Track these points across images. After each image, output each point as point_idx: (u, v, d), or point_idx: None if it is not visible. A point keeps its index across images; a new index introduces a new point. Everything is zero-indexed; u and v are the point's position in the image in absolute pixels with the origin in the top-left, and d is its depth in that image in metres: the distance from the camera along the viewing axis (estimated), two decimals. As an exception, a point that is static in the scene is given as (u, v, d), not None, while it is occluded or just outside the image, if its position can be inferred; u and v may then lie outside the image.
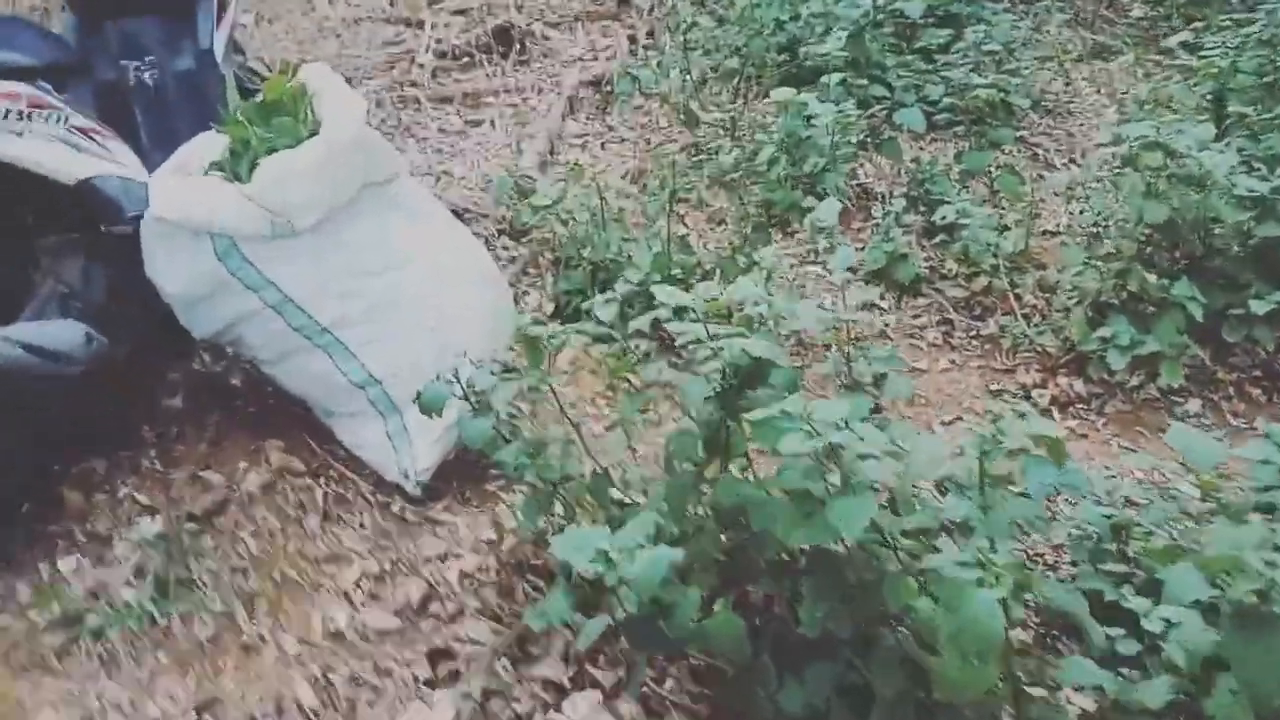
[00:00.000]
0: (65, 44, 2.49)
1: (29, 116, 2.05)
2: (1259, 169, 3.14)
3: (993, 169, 3.97)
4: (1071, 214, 3.94)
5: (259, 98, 2.32)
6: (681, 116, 4.10)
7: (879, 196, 4.10)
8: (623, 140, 4.60)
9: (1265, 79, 3.92)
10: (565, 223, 3.32)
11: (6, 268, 2.23)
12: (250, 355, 2.39)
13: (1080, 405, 3.12)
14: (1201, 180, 2.92)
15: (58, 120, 2.13)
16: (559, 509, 1.99)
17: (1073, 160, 4.97)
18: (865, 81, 4.04)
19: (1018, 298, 3.50)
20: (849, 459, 1.40)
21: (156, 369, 2.63)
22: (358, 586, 2.18)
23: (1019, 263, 3.60)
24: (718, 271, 2.97)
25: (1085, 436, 3.01)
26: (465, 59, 5.32)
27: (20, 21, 2.59)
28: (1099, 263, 3.11)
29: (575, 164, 4.18)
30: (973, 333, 3.44)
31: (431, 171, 4.11)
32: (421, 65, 5.18)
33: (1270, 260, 3.03)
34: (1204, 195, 2.95)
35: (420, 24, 5.57)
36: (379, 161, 2.28)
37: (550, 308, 3.28)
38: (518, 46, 5.47)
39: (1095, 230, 3.43)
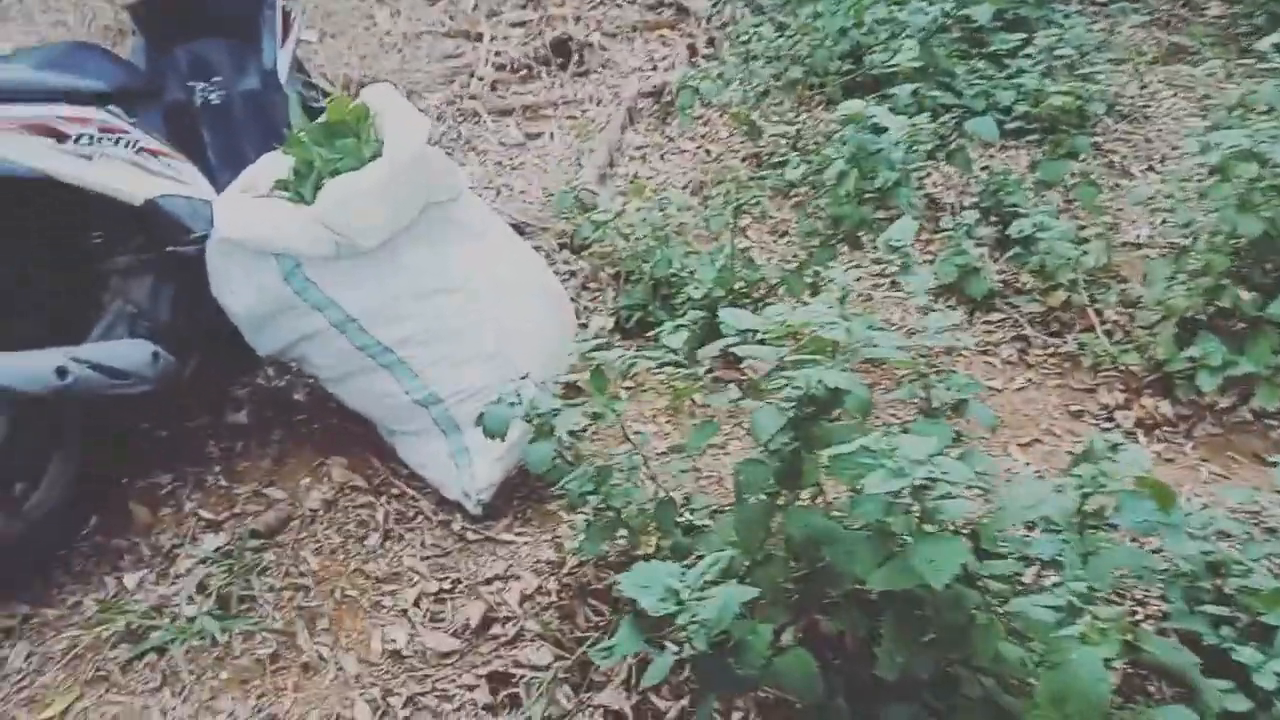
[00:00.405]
0: (135, 68, 2.52)
1: (99, 140, 2.07)
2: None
3: (1069, 178, 3.82)
4: (1154, 226, 3.78)
5: (322, 118, 2.32)
6: (744, 128, 4.03)
7: (947, 207, 3.98)
8: (682, 152, 4.54)
9: (1364, 82, 3.71)
10: (626, 237, 3.28)
11: (77, 289, 2.26)
12: (314, 373, 2.39)
13: (1167, 428, 2.96)
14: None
15: (126, 144, 2.15)
16: (622, 534, 1.94)
17: (1151, 168, 4.78)
18: (935, 90, 3.92)
19: (1098, 313, 3.36)
20: (935, 499, 1.32)
21: (222, 386, 2.65)
22: (417, 606, 2.16)
23: (1098, 277, 3.45)
24: (783, 287, 2.90)
25: (1172, 461, 2.86)
26: (524, 71, 5.33)
27: (93, 47, 2.63)
28: (1187, 278, 2.96)
29: (635, 177, 4.15)
30: (1050, 350, 3.30)
31: (492, 185, 4.11)
32: (481, 78, 5.19)
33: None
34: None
35: (479, 37, 5.59)
36: (442, 181, 2.26)
37: (610, 323, 3.23)
38: (576, 58, 5.46)
39: (1182, 243, 3.27)
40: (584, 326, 3.18)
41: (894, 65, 3.78)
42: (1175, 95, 6.02)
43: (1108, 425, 3.01)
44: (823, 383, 1.49)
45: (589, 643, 2.06)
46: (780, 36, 3.74)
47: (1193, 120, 5.63)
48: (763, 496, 1.64)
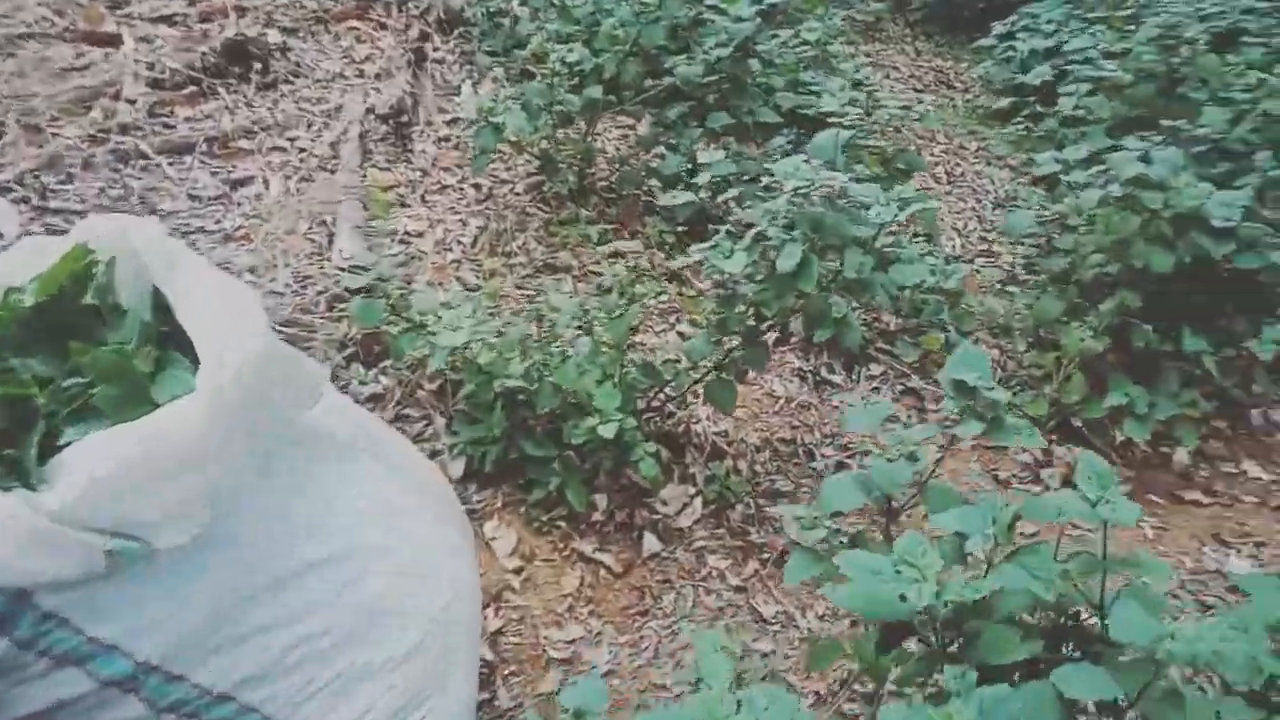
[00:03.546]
0: None
1: None
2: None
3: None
4: (963, 237, 3.61)
5: (22, 296, 1.23)
6: (535, 159, 3.25)
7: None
8: (444, 188, 3.63)
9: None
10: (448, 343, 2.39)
11: None
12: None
13: (1092, 481, 2.77)
14: (1194, 216, 2.61)
15: None
16: None
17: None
18: (741, 104, 3.41)
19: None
20: None
21: None
22: None
23: (955, 304, 3.19)
24: (700, 396, 2.24)
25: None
26: (191, 87, 4.00)
27: None
28: (1092, 318, 2.74)
29: (408, 235, 3.18)
30: (945, 404, 2.97)
31: (206, 267, 2.92)
32: (132, 100, 3.80)
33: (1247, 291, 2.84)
34: (1188, 233, 2.65)
35: (115, 41, 4.13)
36: (295, 388, 1.29)
37: (459, 468, 2.36)
38: (259, 65, 4.23)
39: (1036, 274, 3.07)
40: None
41: (711, 77, 3.23)
42: (887, 76, 6.14)
43: (1037, 489, 2.75)
44: None
45: None
46: (584, 48, 2.98)
47: (905, 96, 5.77)
48: None
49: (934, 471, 1.68)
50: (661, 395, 2.40)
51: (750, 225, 2.37)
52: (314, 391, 1.31)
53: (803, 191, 1.95)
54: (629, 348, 2.31)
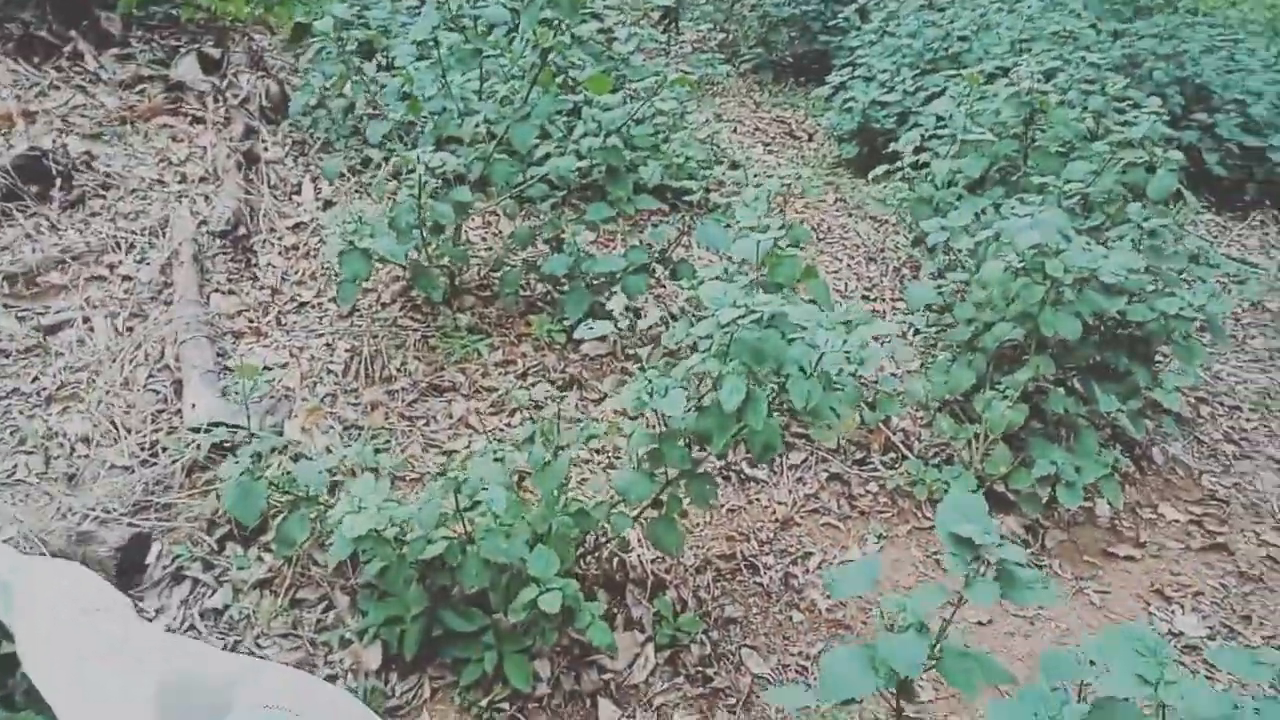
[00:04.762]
0: None
1: None
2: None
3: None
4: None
5: None
6: (406, 275, 2.96)
7: (668, 320, 3.36)
8: (302, 305, 3.26)
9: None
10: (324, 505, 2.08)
11: None
12: None
13: (1030, 551, 2.72)
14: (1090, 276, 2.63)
15: None
16: None
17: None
18: (619, 193, 3.24)
19: (886, 421, 3.03)
20: None
21: None
22: None
23: (865, 382, 3.12)
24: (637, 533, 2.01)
25: (1060, 596, 2.60)
26: (-19, 214, 3.48)
27: None
28: (1003, 387, 2.71)
29: (256, 367, 2.80)
30: (875, 488, 2.87)
31: (23, 443, 2.46)
32: (-93, 238, 3.25)
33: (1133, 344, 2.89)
34: (1083, 292, 2.67)
35: (-123, 167, 3.54)
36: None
37: (375, 655, 2.03)
38: (59, 181, 3.73)
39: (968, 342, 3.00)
40: (336, 672, 1.94)
41: (583, 163, 3.05)
42: (735, 130, 6.17)
43: (980, 567, 2.67)
44: None
45: None
46: (449, 154, 2.71)
47: (755, 151, 5.79)
48: None
49: (943, 631, 1.51)
50: (593, 536, 2.16)
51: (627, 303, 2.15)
52: (221, 707, 1.00)
53: (740, 321, 1.78)
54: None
